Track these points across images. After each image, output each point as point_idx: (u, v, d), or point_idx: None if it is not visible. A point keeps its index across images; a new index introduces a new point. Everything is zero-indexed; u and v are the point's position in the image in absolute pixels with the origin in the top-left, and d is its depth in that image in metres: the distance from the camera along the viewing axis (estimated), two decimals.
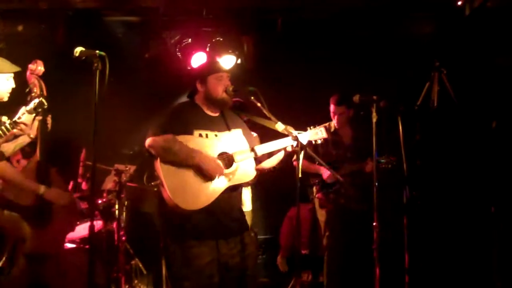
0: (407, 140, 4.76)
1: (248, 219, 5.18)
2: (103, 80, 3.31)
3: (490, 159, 5.10)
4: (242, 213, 3.98)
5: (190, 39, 6.18)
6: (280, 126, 3.79)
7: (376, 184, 4.44)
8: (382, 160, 5.28)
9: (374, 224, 4.30)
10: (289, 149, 3.91)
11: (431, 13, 6.24)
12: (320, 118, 5.75)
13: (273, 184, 5.51)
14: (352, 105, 5.36)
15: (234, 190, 3.83)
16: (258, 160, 4.04)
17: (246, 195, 5.26)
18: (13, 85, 3.96)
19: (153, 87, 6.61)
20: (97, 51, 3.26)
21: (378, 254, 4.42)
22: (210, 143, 3.75)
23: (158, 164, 3.61)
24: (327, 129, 4.78)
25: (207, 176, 3.65)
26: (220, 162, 3.71)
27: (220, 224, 3.71)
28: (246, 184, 5.04)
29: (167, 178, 3.58)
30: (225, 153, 3.77)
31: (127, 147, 6.13)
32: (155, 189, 5.29)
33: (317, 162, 5.58)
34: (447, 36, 6.14)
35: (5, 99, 4.00)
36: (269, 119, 3.82)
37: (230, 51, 6.28)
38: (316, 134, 4.10)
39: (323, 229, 5.59)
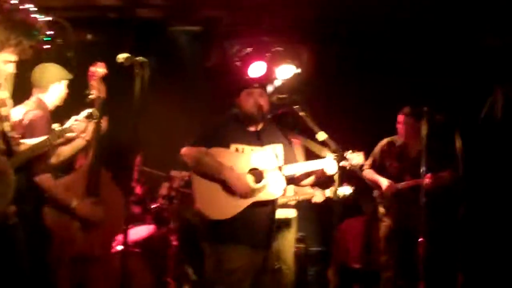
0: (467, 154, 4.63)
1: (295, 226, 5.20)
2: (149, 85, 3.36)
3: None
4: (268, 230, 3.93)
5: (249, 49, 6.22)
6: (322, 136, 3.76)
7: (429, 200, 4.35)
8: (446, 176, 5.13)
9: (420, 240, 4.20)
10: (329, 172, 3.85)
11: (498, 25, 6.02)
12: (379, 131, 5.73)
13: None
14: (421, 118, 5.27)
15: (264, 206, 3.85)
16: (297, 179, 4.07)
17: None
18: (66, 91, 4.14)
19: (213, 96, 6.70)
20: (139, 58, 3.35)
21: (430, 272, 4.33)
22: (244, 158, 3.83)
23: (191, 173, 3.79)
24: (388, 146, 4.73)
25: (234, 191, 3.72)
26: (248, 179, 3.77)
27: (253, 233, 3.77)
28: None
29: (196, 188, 3.76)
30: (257, 169, 3.83)
31: None
32: None
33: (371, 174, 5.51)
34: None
35: (59, 104, 4.20)
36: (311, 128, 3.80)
37: (289, 60, 6.27)
38: (352, 159, 3.92)
39: (382, 244, 5.49)
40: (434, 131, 4.63)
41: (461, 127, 4.63)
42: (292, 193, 5.12)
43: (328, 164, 3.83)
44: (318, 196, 5.14)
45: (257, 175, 3.80)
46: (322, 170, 3.89)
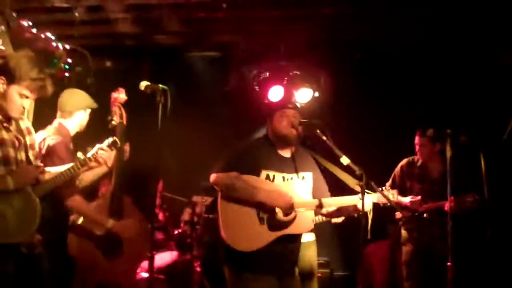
0: (491, 176, 4.56)
1: (313, 250, 5.07)
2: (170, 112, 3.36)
3: None
4: (294, 261, 3.84)
5: (267, 73, 6.24)
6: (345, 160, 3.61)
7: (454, 223, 4.28)
8: (469, 199, 5.06)
9: (448, 264, 4.12)
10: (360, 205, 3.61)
11: None
12: (401, 155, 5.68)
13: (351, 220, 5.42)
14: (436, 139, 5.22)
15: (291, 242, 3.73)
16: (328, 214, 3.98)
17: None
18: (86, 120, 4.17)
19: (232, 121, 6.71)
20: (160, 85, 3.36)
21: None
22: (270, 186, 3.68)
23: (219, 200, 3.63)
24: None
25: (270, 207, 3.59)
26: (277, 211, 3.62)
27: (278, 264, 3.64)
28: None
29: (223, 215, 3.60)
30: (288, 198, 3.65)
31: (207, 179, 6.22)
32: None
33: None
34: None
35: (79, 130, 4.21)
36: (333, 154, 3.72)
37: (307, 84, 6.27)
38: (385, 196, 3.80)
39: (404, 269, 5.41)
40: (458, 153, 4.58)
41: (485, 148, 4.56)
42: None
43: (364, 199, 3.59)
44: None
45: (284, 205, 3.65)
46: (355, 206, 3.75)
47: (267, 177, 3.70)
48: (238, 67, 6.45)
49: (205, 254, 5.46)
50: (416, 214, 5.24)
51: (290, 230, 3.66)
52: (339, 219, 4.97)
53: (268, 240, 3.59)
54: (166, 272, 5.28)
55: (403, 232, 5.45)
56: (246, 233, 3.59)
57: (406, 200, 5.30)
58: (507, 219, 5.42)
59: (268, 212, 3.61)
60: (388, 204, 3.86)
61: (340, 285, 6.40)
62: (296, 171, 3.80)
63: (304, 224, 3.72)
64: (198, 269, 5.30)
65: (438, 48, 6.15)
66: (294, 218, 3.66)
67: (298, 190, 3.74)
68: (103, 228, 3.92)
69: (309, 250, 4.98)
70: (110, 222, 3.92)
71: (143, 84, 3.37)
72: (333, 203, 3.82)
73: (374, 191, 3.78)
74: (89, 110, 4.28)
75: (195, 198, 5.54)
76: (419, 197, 5.21)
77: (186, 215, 5.64)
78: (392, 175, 5.53)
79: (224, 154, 3.80)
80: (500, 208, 5.04)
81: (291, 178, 3.77)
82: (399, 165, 5.54)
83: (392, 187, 5.44)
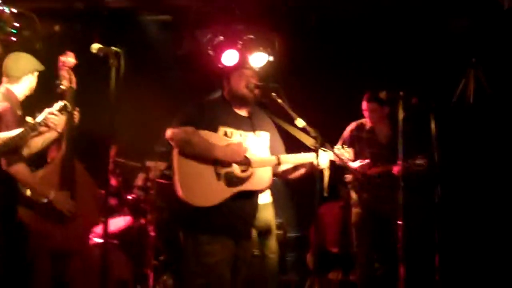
0: (440, 138, 4.66)
1: (270, 212, 5.17)
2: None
3: None
4: (252, 220, 3.90)
5: (221, 37, 6.19)
6: (300, 123, 3.65)
7: (404, 184, 4.37)
8: (418, 162, 5.14)
9: (398, 222, 4.23)
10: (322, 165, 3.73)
11: (469, 8, 6.08)
12: (354, 118, 5.75)
13: (304, 181, 5.48)
14: (385, 103, 5.27)
15: (247, 198, 3.73)
16: (284, 172, 3.97)
17: None
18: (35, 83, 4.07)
19: (186, 85, 6.65)
20: (113, 48, 3.27)
21: (407, 254, 4.37)
22: (225, 142, 3.67)
23: (175, 156, 3.58)
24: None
25: (226, 163, 3.59)
26: (234, 167, 3.62)
27: (234, 224, 3.66)
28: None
29: (180, 171, 3.55)
30: (245, 157, 3.68)
31: (160, 144, 6.19)
32: None
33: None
34: (484, 31, 5.98)
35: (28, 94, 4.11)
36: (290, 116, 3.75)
37: (261, 48, 6.26)
38: (342, 155, 3.90)
39: (353, 231, 5.53)
40: (408, 115, 4.65)
41: (435, 111, 4.64)
42: None
43: (320, 156, 3.68)
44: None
45: (244, 162, 3.67)
46: (312, 163, 3.78)
47: (225, 133, 3.70)
48: (191, 31, 6.36)
49: (159, 219, 5.44)
50: (365, 177, 5.33)
51: (247, 186, 3.68)
52: None
53: (225, 196, 3.59)
54: (119, 237, 5.27)
55: (353, 195, 5.54)
56: (203, 188, 3.57)
57: (355, 164, 5.37)
58: (456, 181, 5.56)
59: (225, 168, 3.61)
60: (344, 163, 3.96)
61: (293, 246, 6.51)
62: (253, 129, 3.82)
63: (261, 181, 3.74)
64: (153, 233, 5.29)
65: (390, 12, 6.18)
66: (251, 174, 3.68)
67: (255, 147, 3.76)
68: (46, 199, 3.84)
69: (266, 212, 5.05)
70: (52, 194, 3.85)
71: (95, 46, 3.28)
72: (291, 160, 3.85)
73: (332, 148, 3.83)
74: (36, 73, 4.17)
75: (149, 163, 5.50)
76: (367, 161, 5.27)
77: (139, 180, 5.61)
78: (342, 139, 5.52)
79: (181, 110, 3.74)
80: (450, 169, 5.18)
81: (248, 136, 3.79)
82: (348, 129, 5.56)
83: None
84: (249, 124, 3.83)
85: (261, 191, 3.96)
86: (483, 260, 5.48)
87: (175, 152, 3.58)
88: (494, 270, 5.41)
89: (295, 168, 3.94)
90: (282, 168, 3.91)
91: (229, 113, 3.80)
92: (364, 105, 5.42)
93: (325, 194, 3.72)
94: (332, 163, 3.90)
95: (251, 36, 6.27)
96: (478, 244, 5.54)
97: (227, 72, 3.90)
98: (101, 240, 4.94)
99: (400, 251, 4.26)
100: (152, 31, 6.53)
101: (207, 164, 3.59)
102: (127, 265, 5.12)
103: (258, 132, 3.85)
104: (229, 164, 3.61)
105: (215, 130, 3.68)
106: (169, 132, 3.61)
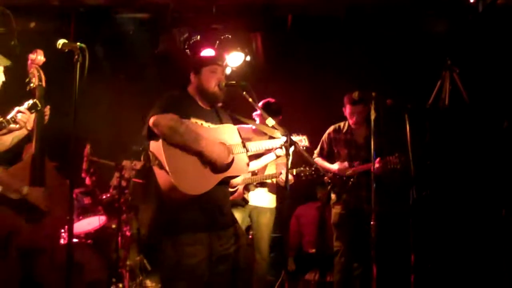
0: (416, 139, 4.69)
1: (271, 216, 5.29)
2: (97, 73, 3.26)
3: (502, 160, 4.99)
4: (230, 207, 3.92)
5: (199, 36, 6.17)
6: (270, 122, 3.74)
7: (377, 184, 4.40)
8: (394, 160, 5.20)
9: (372, 223, 4.25)
10: (278, 153, 3.91)
11: (444, 11, 6.13)
12: (330, 117, 5.77)
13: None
14: (368, 103, 5.30)
15: (225, 183, 3.76)
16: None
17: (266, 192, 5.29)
18: (3, 79, 3.98)
19: (163, 83, 6.61)
20: (78, 43, 3.23)
21: (383, 254, 4.39)
22: (208, 131, 3.67)
23: (159, 145, 3.47)
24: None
25: (211, 162, 3.57)
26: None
27: (213, 217, 3.63)
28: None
29: (169, 159, 3.44)
30: (224, 144, 3.70)
31: (137, 143, 6.14)
32: None
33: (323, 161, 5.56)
34: (460, 34, 6.04)
35: None
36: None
37: (238, 48, 6.26)
38: (300, 141, 4.10)
39: (334, 230, 5.55)
40: (383, 116, 4.68)
41: (411, 112, 4.66)
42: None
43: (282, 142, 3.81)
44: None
45: (226, 149, 3.68)
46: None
47: (196, 124, 3.67)
48: (168, 30, 6.33)
49: (134, 218, 5.41)
50: (344, 178, 5.37)
51: (231, 172, 3.69)
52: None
53: (214, 183, 3.59)
54: (94, 237, 5.22)
55: (332, 195, 5.57)
56: (194, 176, 3.52)
57: (334, 166, 5.42)
58: (431, 180, 5.59)
59: (208, 163, 3.58)
60: (302, 149, 4.03)
61: (272, 247, 6.49)
62: (221, 122, 3.84)
63: (241, 166, 3.77)
64: (128, 233, 5.25)
65: (367, 13, 6.21)
66: (232, 160, 3.70)
67: (229, 136, 3.77)
68: (18, 194, 3.78)
69: (265, 218, 5.18)
70: (25, 190, 3.79)
71: (60, 42, 3.23)
72: (257, 146, 3.93)
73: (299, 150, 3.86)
74: (2, 68, 4.10)
75: (125, 162, 5.46)
76: (346, 163, 5.35)
77: (114, 179, 5.56)
78: (321, 142, 5.66)
79: (160, 98, 3.67)
80: (425, 170, 5.21)
81: (219, 127, 3.79)
82: (327, 132, 5.66)
83: (321, 153, 5.59)
84: (216, 117, 3.83)
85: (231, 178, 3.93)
86: (458, 260, 5.52)
87: (160, 142, 3.46)
88: (469, 269, 5.46)
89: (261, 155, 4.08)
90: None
91: (196, 107, 3.78)
92: (349, 108, 5.43)
93: (292, 180, 3.76)
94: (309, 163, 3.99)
95: (228, 36, 6.27)
96: (453, 244, 5.58)
97: (198, 68, 3.83)
98: (74, 240, 4.91)
99: (373, 251, 4.27)
100: (129, 29, 6.47)
101: (192, 153, 3.54)
102: (101, 265, 5.06)
103: (225, 124, 3.86)
104: (210, 161, 3.58)
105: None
106: (153, 119, 3.49)
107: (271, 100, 5.27)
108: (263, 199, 5.25)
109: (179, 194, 3.46)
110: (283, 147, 3.87)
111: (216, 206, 3.66)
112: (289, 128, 3.76)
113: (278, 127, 3.80)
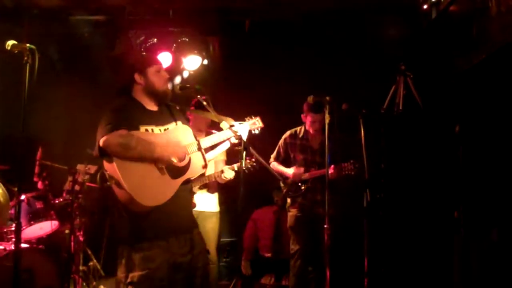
0: (370, 144, 4.74)
1: (216, 220, 5.23)
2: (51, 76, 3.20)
3: (454, 164, 5.09)
4: (191, 210, 3.91)
5: (155, 39, 6.13)
6: (224, 125, 3.77)
7: (331, 188, 4.45)
8: (348, 166, 5.26)
9: (325, 226, 4.29)
10: (233, 140, 3.92)
11: (398, 17, 6.23)
12: (286, 121, 5.79)
13: (237, 187, 5.48)
14: (322, 109, 5.32)
15: (186, 184, 3.72)
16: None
17: (213, 196, 5.23)
18: None
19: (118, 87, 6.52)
20: (28, 45, 3.15)
21: (337, 258, 4.43)
22: (161, 136, 3.63)
23: (113, 164, 3.39)
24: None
25: (170, 166, 3.55)
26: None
27: (172, 222, 3.59)
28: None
29: (125, 177, 3.38)
30: (178, 145, 3.66)
31: (91, 146, 6.04)
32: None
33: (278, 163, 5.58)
34: (413, 39, 6.15)
35: None
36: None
37: (195, 51, 6.24)
38: (253, 124, 4.21)
39: (290, 234, 5.56)
40: (338, 121, 4.73)
41: (365, 117, 4.72)
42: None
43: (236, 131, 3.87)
44: (228, 172, 4.91)
45: (181, 150, 3.66)
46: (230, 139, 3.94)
47: (146, 131, 3.61)
48: (124, 32, 6.26)
49: (87, 224, 5.33)
50: (299, 183, 5.41)
51: (189, 174, 3.68)
52: (230, 174, 4.91)
53: (175, 189, 3.57)
54: (45, 242, 5.11)
55: (288, 199, 5.60)
56: (153, 187, 3.48)
57: (290, 171, 5.45)
58: (385, 184, 5.66)
59: (163, 172, 3.55)
60: (257, 130, 4.27)
61: (226, 251, 6.48)
62: (174, 121, 3.81)
63: (198, 166, 3.76)
64: (81, 238, 5.16)
65: (323, 18, 6.27)
66: (189, 162, 3.69)
67: (182, 136, 3.74)
68: None
69: (211, 220, 5.14)
70: None
71: (10, 43, 3.15)
72: (210, 141, 3.89)
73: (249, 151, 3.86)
74: None
75: (79, 166, 5.37)
76: (301, 168, 5.39)
77: (67, 183, 5.47)
78: (277, 147, 5.71)
79: (103, 117, 3.55)
80: (380, 173, 5.27)
81: (168, 128, 3.74)
82: (283, 137, 5.71)
83: (277, 158, 5.62)
84: (165, 117, 3.78)
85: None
86: (411, 263, 5.61)
87: (114, 161, 3.38)
88: (421, 272, 5.55)
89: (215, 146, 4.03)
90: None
91: (144, 112, 3.70)
92: (311, 116, 5.44)
93: (243, 167, 3.77)
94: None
95: (185, 39, 6.24)
96: (406, 247, 5.67)
97: (141, 68, 3.74)
98: (24, 245, 4.80)
99: (327, 254, 4.30)
100: (84, 31, 6.38)
101: (148, 162, 3.50)
102: (53, 271, 4.95)
103: (179, 122, 3.83)
104: (169, 161, 3.55)
105: (136, 130, 3.56)
106: (103, 140, 3.41)
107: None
108: (207, 204, 5.21)
109: (141, 207, 3.43)
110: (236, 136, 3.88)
111: (176, 211, 3.62)
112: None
113: (232, 130, 3.83)
